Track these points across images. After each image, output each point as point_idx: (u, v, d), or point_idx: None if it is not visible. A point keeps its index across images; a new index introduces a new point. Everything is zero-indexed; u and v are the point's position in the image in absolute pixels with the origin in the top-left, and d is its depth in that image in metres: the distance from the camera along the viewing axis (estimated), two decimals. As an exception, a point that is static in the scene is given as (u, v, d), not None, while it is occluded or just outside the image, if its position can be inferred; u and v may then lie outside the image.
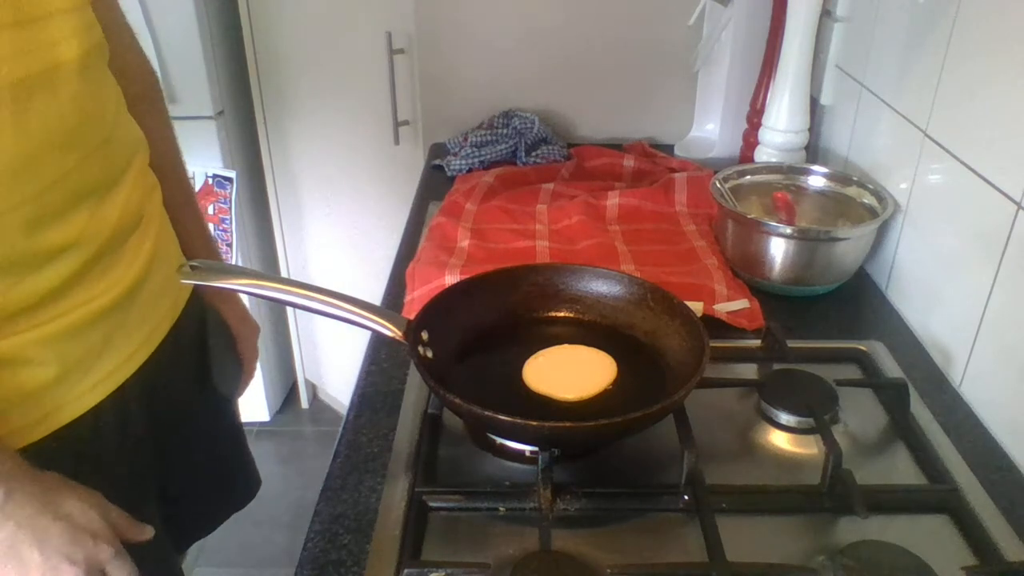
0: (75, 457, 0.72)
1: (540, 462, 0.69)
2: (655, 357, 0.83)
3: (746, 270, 1.06)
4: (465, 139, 1.48)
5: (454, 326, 0.84)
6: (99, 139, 0.72)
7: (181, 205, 0.92)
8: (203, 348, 0.94)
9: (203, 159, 1.96)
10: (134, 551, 0.76)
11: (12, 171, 0.63)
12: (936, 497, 0.72)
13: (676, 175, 1.34)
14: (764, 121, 1.29)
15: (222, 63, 1.95)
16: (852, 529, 0.68)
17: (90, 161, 0.71)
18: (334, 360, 2.31)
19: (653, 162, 1.44)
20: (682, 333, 0.81)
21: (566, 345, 0.85)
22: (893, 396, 0.83)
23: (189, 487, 0.92)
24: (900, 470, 0.76)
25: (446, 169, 1.43)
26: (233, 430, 1.04)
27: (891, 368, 0.89)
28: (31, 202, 0.65)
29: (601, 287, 0.89)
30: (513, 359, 0.82)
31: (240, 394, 1.04)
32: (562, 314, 0.90)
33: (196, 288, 0.91)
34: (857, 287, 1.07)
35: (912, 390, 0.83)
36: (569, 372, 0.81)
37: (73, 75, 0.68)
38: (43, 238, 0.66)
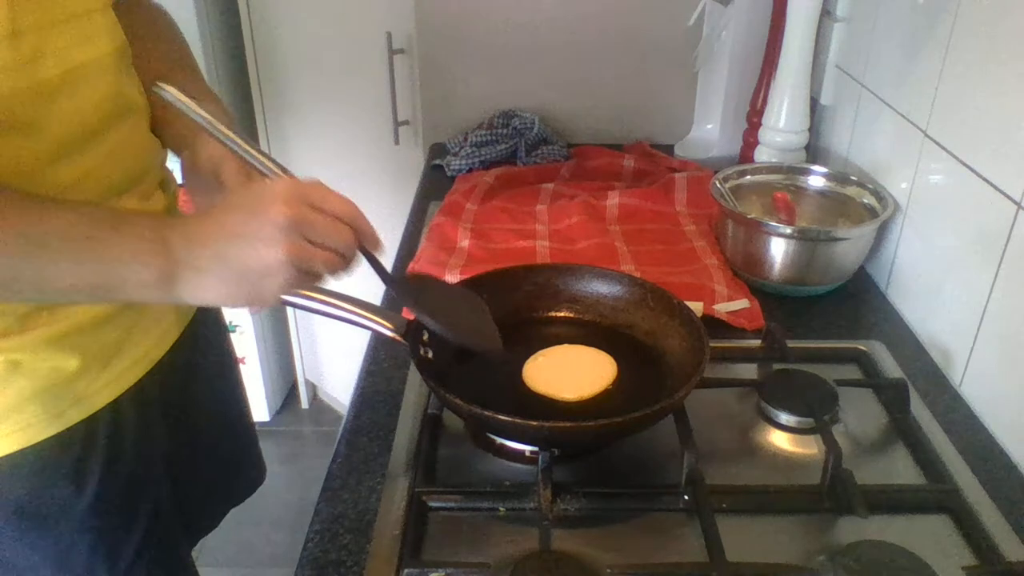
0: (87, 450, 0.72)
1: (540, 462, 0.69)
2: (655, 357, 0.83)
3: (746, 270, 1.06)
4: (465, 139, 1.48)
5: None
6: (119, 139, 0.73)
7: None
8: (220, 347, 0.94)
9: (203, 159, 1.96)
10: (142, 544, 0.77)
11: (30, 172, 0.63)
12: (936, 497, 0.72)
13: (676, 175, 1.34)
14: (764, 121, 1.29)
15: (222, 63, 1.95)
16: (852, 529, 0.68)
17: (110, 162, 0.71)
18: (334, 360, 2.31)
19: (653, 162, 1.44)
20: (682, 333, 0.81)
21: (566, 345, 0.85)
22: (893, 396, 0.83)
23: (197, 483, 0.93)
24: (900, 470, 0.76)
25: (446, 169, 1.43)
26: (244, 425, 1.05)
27: (891, 368, 0.89)
28: None
29: (601, 287, 0.89)
30: (513, 359, 0.82)
31: None
32: (562, 314, 0.90)
33: None
34: (857, 287, 1.07)
35: (912, 390, 0.83)
36: (569, 372, 0.81)
37: (98, 76, 0.69)
38: None
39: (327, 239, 0.58)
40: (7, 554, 0.72)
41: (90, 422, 0.72)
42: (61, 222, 0.57)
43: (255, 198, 0.58)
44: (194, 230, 0.58)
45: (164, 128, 0.79)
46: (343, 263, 0.60)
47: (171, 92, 0.62)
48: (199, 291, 0.59)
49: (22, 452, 0.68)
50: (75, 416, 0.71)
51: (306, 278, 0.59)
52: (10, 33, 0.59)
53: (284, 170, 0.63)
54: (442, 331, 0.70)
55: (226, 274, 0.58)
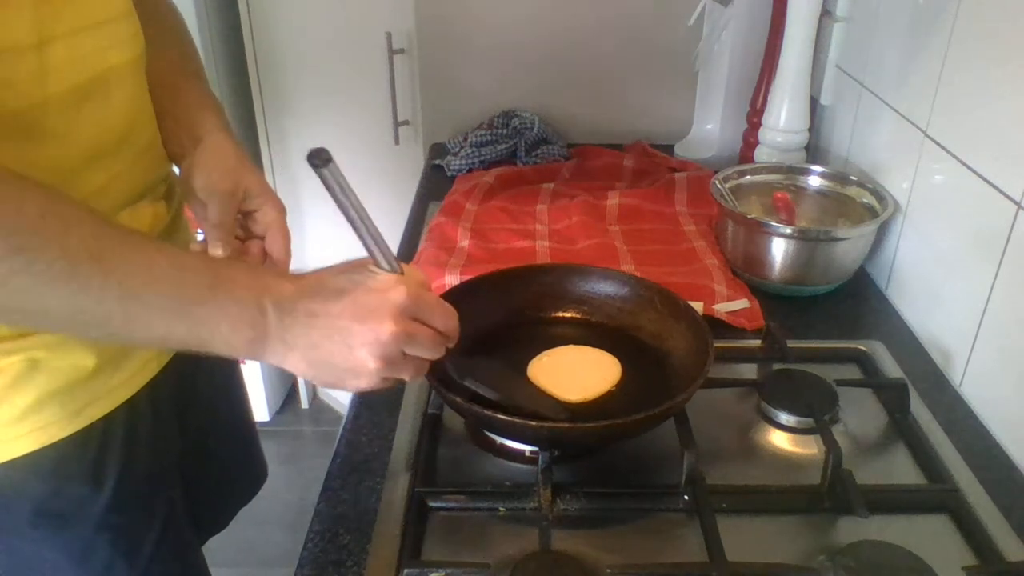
0: (105, 449, 0.73)
1: (540, 462, 0.69)
2: (660, 359, 0.83)
3: (746, 270, 1.06)
4: (465, 139, 1.48)
5: (460, 325, 0.83)
6: (143, 145, 0.74)
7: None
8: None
9: (203, 159, 1.96)
10: (159, 542, 0.78)
11: (61, 178, 0.63)
12: (936, 497, 0.72)
13: (676, 175, 1.34)
14: (764, 121, 1.29)
15: (222, 63, 1.95)
16: (852, 529, 0.68)
17: (134, 167, 0.72)
18: (334, 360, 2.31)
19: (653, 162, 1.44)
20: (687, 336, 0.81)
21: (571, 346, 0.85)
22: (893, 396, 0.83)
23: (206, 481, 0.93)
24: (900, 470, 0.76)
25: (446, 169, 1.43)
26: (248, 424, 1.05)
27: (891, 368, 0.89)
28: None
29: (609, 288, 0.89)
30: (518, 359, 0.82)
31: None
32: (568, 315, 0.90)
33: None
34: (857, 287, 1.07)
35: (912, 390, 0.83)
36: (574, 373, 0.81)
37: (122, 82, 0.70)
38: None
39: (422, 353, 0.61)
40: (28, 553, 0.72)
41: (107, 421, 0.72)
42: (157, 272, 0.55)
43: (368, 301, 0.58)
44: (293, 302, 0.57)
45: (166, 138, 0.80)
46: (427, 367, 0.63)
47: (325, 172, 0.59)
48: (283, 362, 0.59)
49: (41, 451, 0.68)
50: (92, 415, 0.71)
51: (388, 382, 0.61)
52: (37, 44, 0.60)
53: (399, 266, 0.62)
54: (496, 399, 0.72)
55: (315, 360, 0.58)
